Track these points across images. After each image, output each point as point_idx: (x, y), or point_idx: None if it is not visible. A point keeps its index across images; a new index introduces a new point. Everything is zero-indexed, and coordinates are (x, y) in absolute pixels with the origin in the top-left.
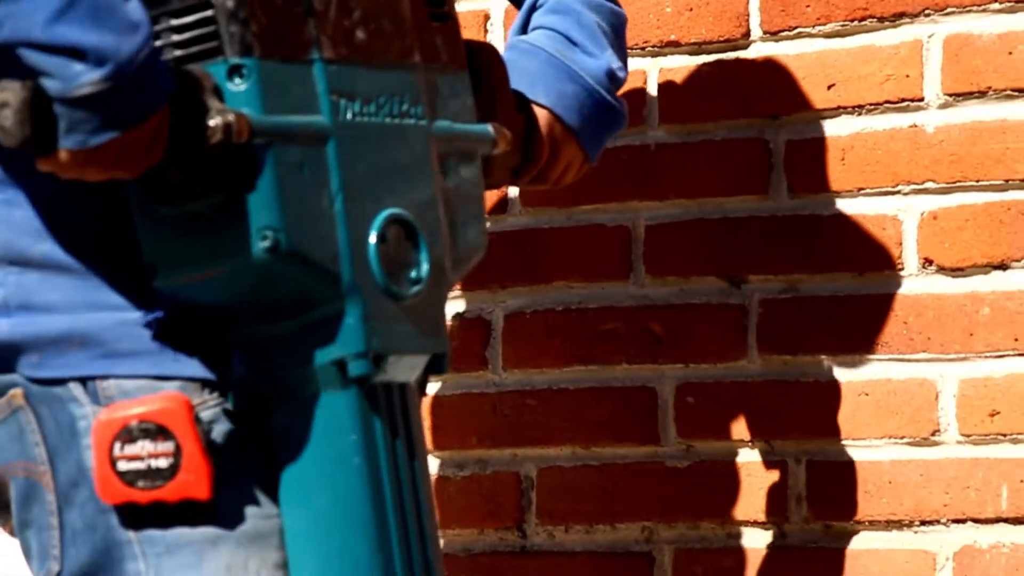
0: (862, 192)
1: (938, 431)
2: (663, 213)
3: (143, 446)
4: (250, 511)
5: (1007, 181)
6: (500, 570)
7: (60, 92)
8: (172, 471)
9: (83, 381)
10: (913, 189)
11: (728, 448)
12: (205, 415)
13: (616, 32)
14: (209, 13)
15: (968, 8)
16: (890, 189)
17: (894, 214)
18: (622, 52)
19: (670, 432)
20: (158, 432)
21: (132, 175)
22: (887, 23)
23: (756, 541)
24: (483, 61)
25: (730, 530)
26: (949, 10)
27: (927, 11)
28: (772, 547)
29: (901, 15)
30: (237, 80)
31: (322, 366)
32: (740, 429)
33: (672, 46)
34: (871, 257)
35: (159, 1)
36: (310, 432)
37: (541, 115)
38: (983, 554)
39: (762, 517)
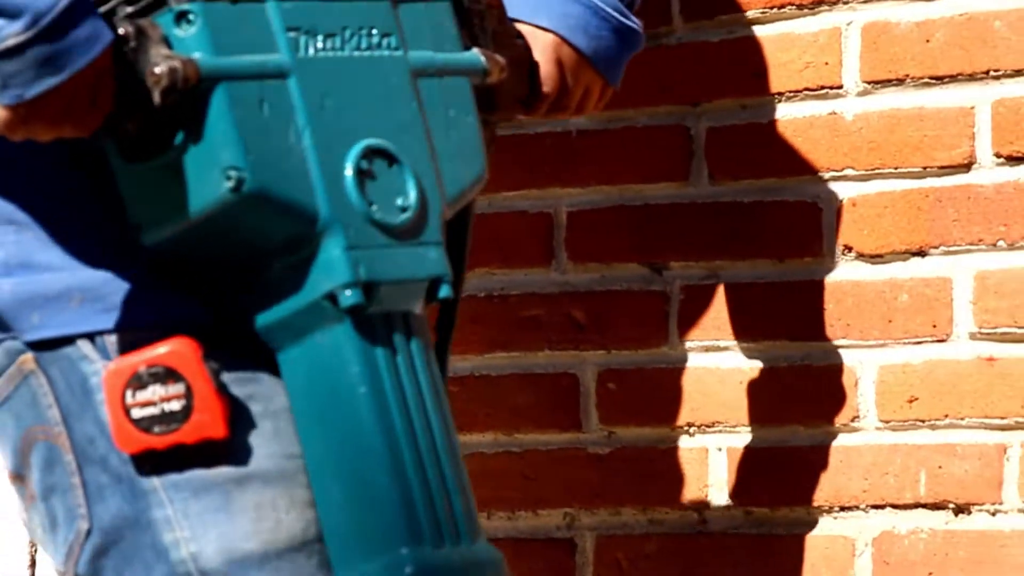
0: (782, 179)
1: (857, 417)
2: (584, 200)
3: (154, 391)
4: (273, 450)
5: (925, 168)
6: None
7: None
8: (186, 413)
9: (91, 337)
10: (832, 176)
11: (650, 434)
12: (214, 364)
13: None
14: None
15: None
16: (810, 176)
17: (813, 201)
18: None
19: (592, 418)
20: (168, 375)
21: (84, 131)
22: (806, 10)
23: (677, 527)
24: None
25: (651, 516)
26: None
27: None
28: (693, 533)
29: (820, 3)
30: (184, 26)
31: (314, 301)
32: (662, 415)
33: None
34: (791, 244)
35: None
36: (314, 368)
37: (546, 39)
38: (902, 539)
39: (683, 503)
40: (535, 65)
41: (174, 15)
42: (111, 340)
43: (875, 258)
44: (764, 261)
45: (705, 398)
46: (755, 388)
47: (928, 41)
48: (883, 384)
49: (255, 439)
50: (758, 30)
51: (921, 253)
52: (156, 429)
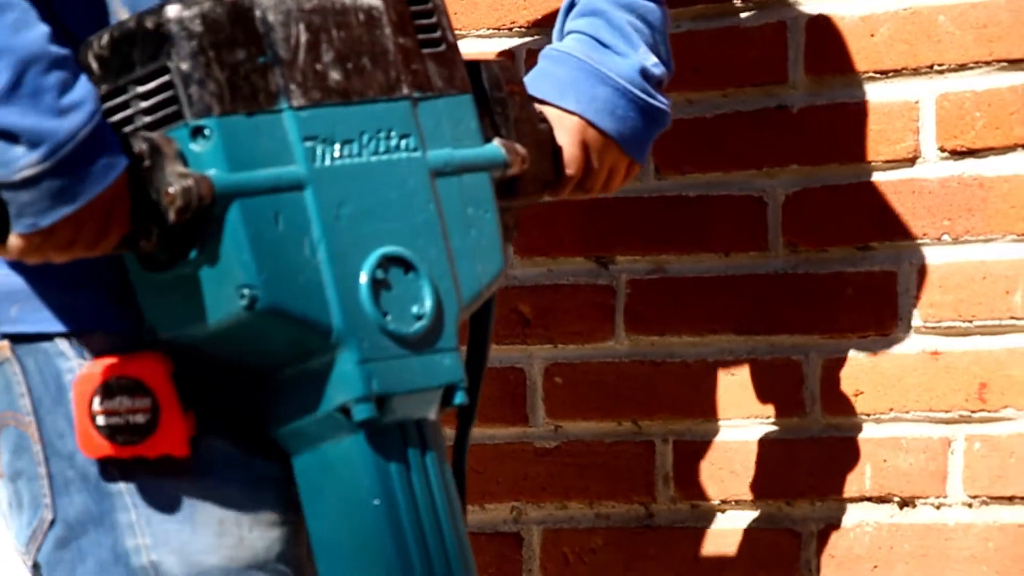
0: (727, 173)
1: (803, 411)
2: None
3: (121, 402)
4: (238, 468)
5: (869, 163)
6: None
7: (2, 178)
8: (150, 428)
9: (68, 336)
10: (778, 170)
11: (596, 428)
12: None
13: (652, 27)
14: (167, 78)
15: None
16: (755, 170)
17: (759, 195)
18: (661, 47)
19: (538, 412)
20: (136, 388)
21: (98, 252)
22: (752, 5)
23: (623, 520)
24: (492, 77)
25: (598, 510)
26: None
27: None
28: (639, 526)
29: None
30: (200, 141)
31: (327, 413)
32: (608, 409)
33: (538, 26)
34: (737, 238)
35: (125, 69)
36: (327, 478)
37: (571, 122)
38: (847, 533)
39: (629, 497)
40: (559, 148)
41: (190, 130)
42: (88, 340)
43: (820, 252)
44: (710, 255)
45: (651, 392)
46: (701, 382)
47: (872, 35)
48: (828, 378)
49: (220, 456)
50: (704, 25)
51: (866, 247)
52: (119, 439)
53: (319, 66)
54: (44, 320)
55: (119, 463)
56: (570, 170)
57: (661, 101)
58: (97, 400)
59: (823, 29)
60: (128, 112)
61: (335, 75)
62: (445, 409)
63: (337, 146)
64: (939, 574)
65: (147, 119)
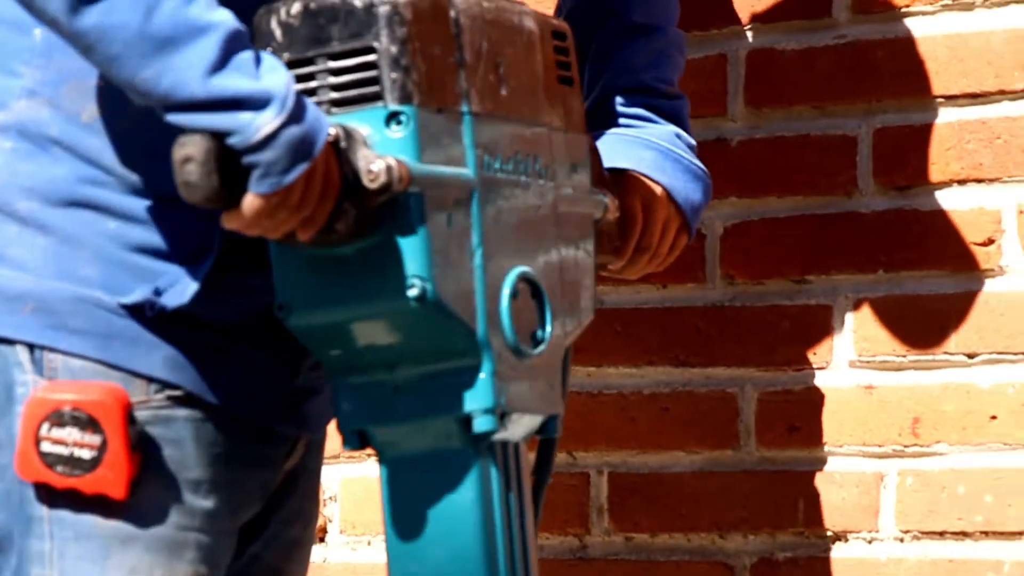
0: None
1: (738, 444)
2: None
3: (70, 433)
4: (168, 519)
5: (807, 196)
6: None
7: (242, 143)
8: (93, 464)
9: (31, 348)
10: (716, 202)
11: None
12: (142, 415)
13: (676, 111)
14: (372, 58)
15: (771, 24)
16: None
17: (697, 227)
18: (687, 123)
19: None
20: (88, 423)
21: (316, 222)
22: (691, 37)
23: (557, 552)
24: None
25: None
26: (753, 26)
27: (732, 26)
28: (573, 558)
29: (706, 30)
30: (395, 127)
31: (447, 419)
32: None
33: None
34: (675, 269)
35: (317, 41)
36: (427, 484)
37: (626, 178)
38: (780, 566)
39: (564, 528)
40: (625, 212)
41: (388, 114)
42: (49, 358)
43: (757, 284)
44: (648, 286)
45: (587, 423)
46: (637, 413)
47: (812, 69)
48: (763, 411)
49: (154, 504)
50: None
51: (802, 280)
52: (59, 468)
53: (492, 77)
54: (12, 325)
55: (50, 490)
56: (632, 224)
57: (700, 165)
58: (46, 426)
59: (763, 62)
60: (312, 84)
61: (503, 90)
62: (536, 436)
63: (499, 159)
64: None
65: (335, 95)
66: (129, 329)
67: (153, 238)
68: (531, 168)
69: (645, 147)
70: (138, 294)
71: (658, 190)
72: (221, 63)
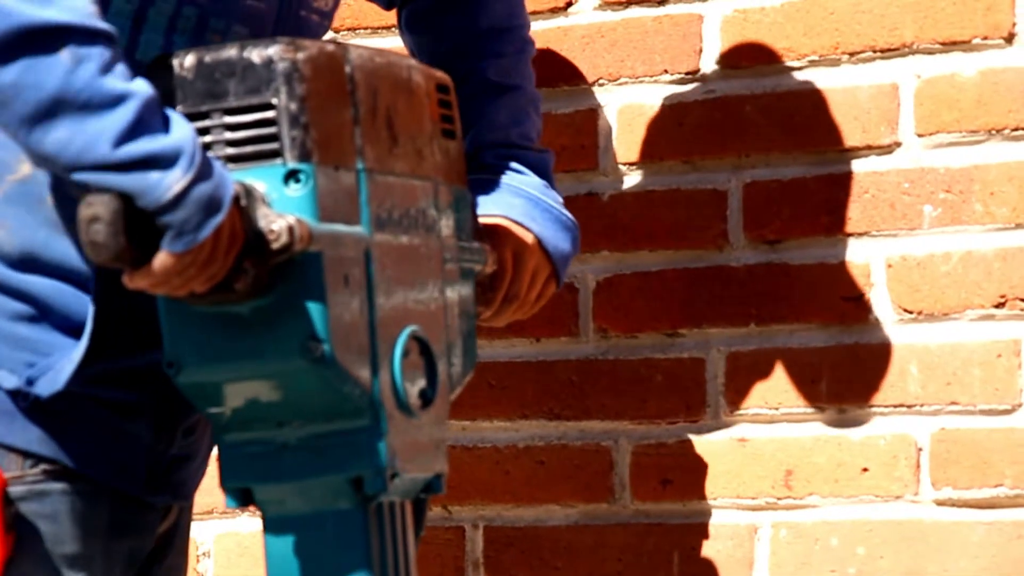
0: None
1: (612, 497)
2: None
3: None
4: None
5: (678, 250)
6: None
7: (153, 203)
8: None
9: None
10: (588, 256)
11: None
12: (16, 490)
13: (542, 164)
14: (271, 115)
15: (640, 79)
16: None
17: (570, 280)
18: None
19: None
20: None
21: (218, 276)
22: (561, 91)
23: None
24: None
25: None
26: (622, 80)
27: (601, 80)
28: None
29: (576, 84)
30: (294, 185)
31: (336, 479)
32: None
33: None
34: (548, 323)
35: (212, 96)
36: (312, 544)
37: (497, 224)
38: None
39: None
40: (497, 262)
41: (286, 172)
42: None
43: (630, 338)
44: (521, 340)
45: (462, 476)
46: (512, 466)
47: (681, 124)
48: (637, 464)
49: None
50: None
51: (675, 334)
52: None
53: (385, 133)
54: None
55: None
56: (500, 272)
57: (569, 216)
58: None
59: (633, 116)
60: (207, 139)
61: (395, 145)
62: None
63: (389, 215)
64: None
65: (231, 151)
66: (4, 404)
67: (31, 311)
68: (420, 223)
69: (515, 195)
70: (12, 381)
71: (529, 238)
72: (133, 131)
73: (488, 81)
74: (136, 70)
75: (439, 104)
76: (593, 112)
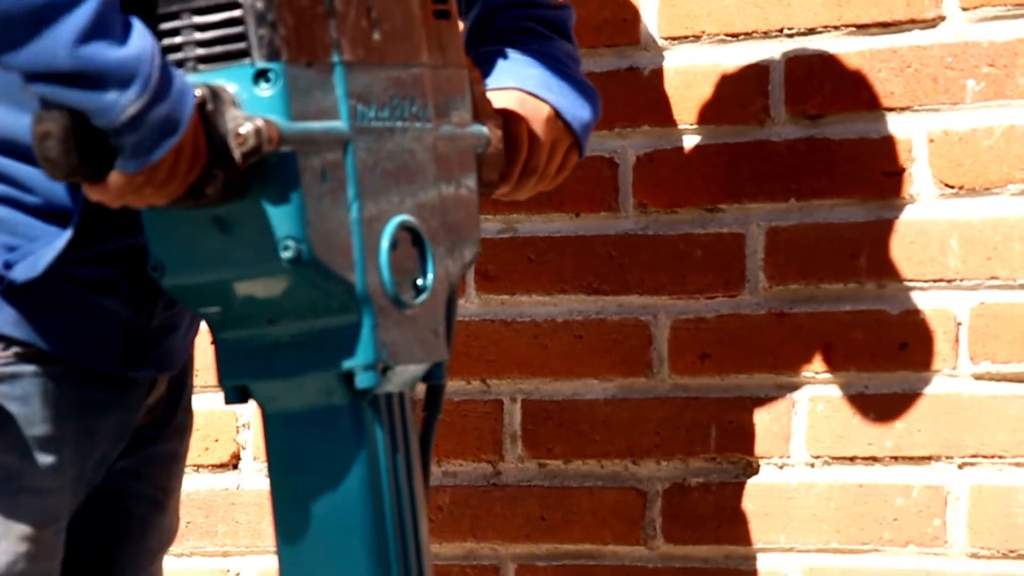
0: None
1: (650, 371)
2: None
3: None
4: (6, 479)
5: (720, 125)
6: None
7: (107, 125)
8: None
9: None
10: (629, 131)
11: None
12: None
13: (558, 23)
14: (237, 13)
15: None
16: (607, 131)
17: (610, 156)
18: (573, 39)
19: None
20: None
21: (180, 191)
22: None
23: (472, 479)
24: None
25: (446, 468)
26: None
27: None
28: (487, 484)
29: None
30: (263, 85)
31: (328, 375)
32: (457, 368)
33: None
34: (587, 198)
35: None
36: (310, 440)
37: (512, 97)
38: (691, 492)
39: (477, 455)
40: (510, 136)
41: (255, 72)
42: None
43: (670, 213)
44: (560, 215)
45: (500, 351)
46: (550, 341)
47: None
48: (676, 339)
49: None
50: None
51: (715, 209)
52: None
53: (364, 23)
54: None
55: None
56: (517, 147)
57: (588, 82)
58: None
59: None
60: (177, 40)
61: (376, 35)
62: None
63: (373, 107)
64: (781, 533)
65: (201, 51)
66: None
67: (12, 193)
68: (408, 112)
69: (530, 65)
70: None
71: (545, 109)
72: (91, 32)
73: None
74: None
75: None
76: None
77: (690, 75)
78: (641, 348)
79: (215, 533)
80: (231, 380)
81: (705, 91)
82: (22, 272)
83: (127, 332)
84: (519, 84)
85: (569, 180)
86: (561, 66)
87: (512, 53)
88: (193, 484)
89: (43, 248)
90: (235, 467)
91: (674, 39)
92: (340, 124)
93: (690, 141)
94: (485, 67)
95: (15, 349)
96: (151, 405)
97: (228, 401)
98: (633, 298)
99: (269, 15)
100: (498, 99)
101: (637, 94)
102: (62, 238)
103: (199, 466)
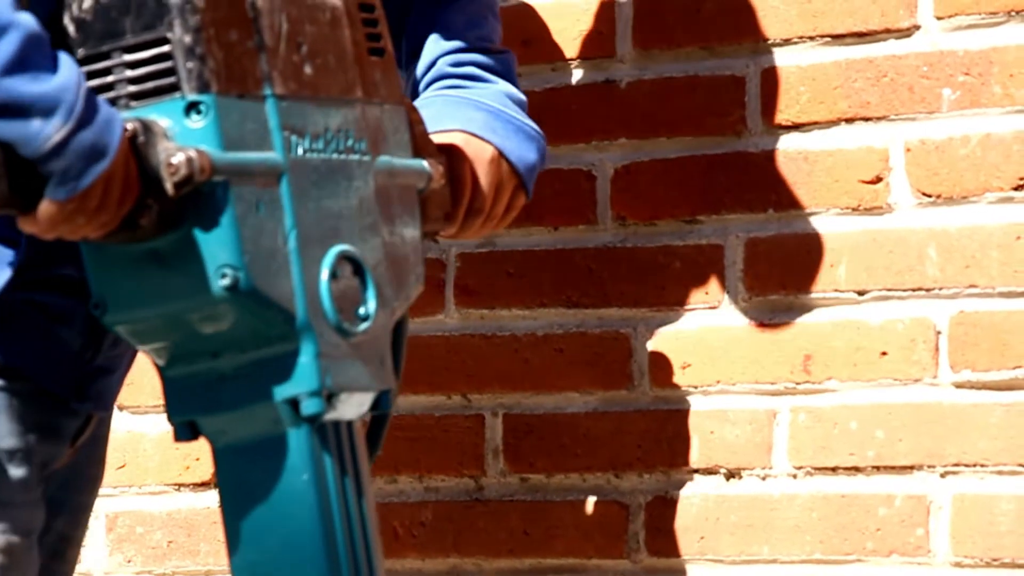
0: (556, 147)
1: (631, 383)
2: None
3: None
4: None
5: (697, 136)
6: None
7: (33, 153)
8: None
9: None
10: (606, 144)
11: (426, 402)
12: None
13: (504, 67)
14: (165, 49)
15: None
16: (584, 144)
17: (588, 169)
18: (515, 81)
19: None
20: None
21: (114, 223)
22: None
23: (454, 494)
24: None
25: (428, 483)
26: None
27: None
28: (469, 500)
29: None
30: (195, 117)
31: (274, 404)
32: (438, 382)
33: None
34: (566, 211)
35: (111, 35)
36: (259, 471)
37: (456, 139)
38: (674, 504)
39: (459, 470)
40: (454, 176)
41: (186, 104)
42: None
43: (648, 225)
44: (539, 228)
45: (481, 365)
46: (530, 355)
47: (699, 11)
48: (656, 351)
49: None
50: None
51: (693, 220)
52: None
53: (296, 58)
54: None
55: None
56: (462, 187)
57: (533, 125)
58: None
59: (651, 3)
60: (109, 79)
61: (308, 69)
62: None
63: (307, 139)
64: (764, 544)
65: (132, 88)
66: None
67: None
68: (343, 144)
69: (475, 108)
70: None
71: (489, 150)
72: (12, 68)
73: None
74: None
75: (363, 23)
76: None
77: (666, 87)
78: (622, 361)
79: (197, 552)
80: (180, 416)
81: (682, 102)
82: None
83: (76, 363)
84: (462, 126)
85: (547, 194)
86: (505, 109)
87: (455, 97)
88: (175, 503)
89: None
90: (216, 486)
91: (650, 51)
92: (274, 155)
93: (667, 153)
94: (429, 111)
95: None
96: (76, 448)
97: (178, 438)
98: (613, 311)
99: (197, 49)
100: (442, 140)
101: (614, 107)
102: (12, 260)
103: (180, 485)
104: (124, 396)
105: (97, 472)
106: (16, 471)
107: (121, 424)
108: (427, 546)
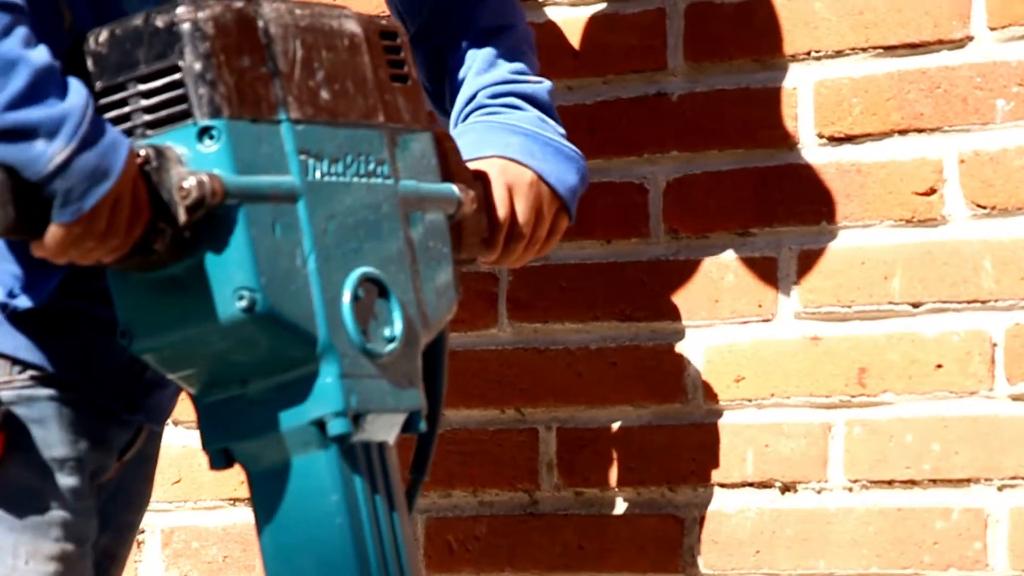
0: (608, 160)
1: (685, 397)
2: None
3: None
4: (32, 498)
5: (749, 149)
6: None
7: (37, 175)
8: None
9: None
10: (658, 157)
11: (479, 416)
12: (6, 395)
13: (539, 100)
14: (177, 77)
15: None
16: (636, 157)
17: (640, 182)
18: (553, 111)
19: None
20: None
21: (125, 246)
22: None
23: (508, 508)
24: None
25: (482, 498)
26: None
27: None
28: (523, 514)
29: None
30: (207, 142)
31: (300, 427)
32: (491, 397)
33: None
34: (618, 225)
35: (126, 67)
36: (291, 494)
37: (494, 165)
38: (729, 518)
39: (513, 484)
40: (491, 202)
41: (198, 130)
42: None
43: (701, 238)
44: (592, 242)
45: (535, 379)
46: (584, 368)
47: (750, 23)
48: (710, 364)
49: (19, 483)
50: (583, 11)
51: (746, 233)
52: None
53: (312, 83)
54: None
55: None
56: (499, 212)
57: (572, 147)
58: None
59: (702, 16)
60: (126, 109)
61: (324, 94)
62: (404, 435)
63: (326, 162)
64: (820, 558)
65: (148, 117)
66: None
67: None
68: (365, 169)
69: (512, 132)
70: None
71: (528, 175)
72: (24, 99)
73: (479, 27)
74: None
75: (385, 51)
76: (661, 11)
77: (718, 99)
78: (675, 374)
79: (253, 567)
80: (213, 445)
81: (734, 115)
82: (25, 301)
83: (125, 375)
84: (500, 152)
85: (599, 207)
86: (543, 132)
87: (493, 125)
88: (230, 518)
89: (44, 279)
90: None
91: (702, 63)
92: (290, 179)
93: (720, 165)
94: (466, 139)
95: (31, 372)
96: (123, 462)
97: (213, 467)
98: (666, 324)
99: (208, 75)
100: (479, 167)
101: (666, 120)
102: (59, 269)
103: (236, 500)
104: (179, 411)
105: (144, 490)
106: (68, 479)
107: (176, 439)
108: (481, 561)
